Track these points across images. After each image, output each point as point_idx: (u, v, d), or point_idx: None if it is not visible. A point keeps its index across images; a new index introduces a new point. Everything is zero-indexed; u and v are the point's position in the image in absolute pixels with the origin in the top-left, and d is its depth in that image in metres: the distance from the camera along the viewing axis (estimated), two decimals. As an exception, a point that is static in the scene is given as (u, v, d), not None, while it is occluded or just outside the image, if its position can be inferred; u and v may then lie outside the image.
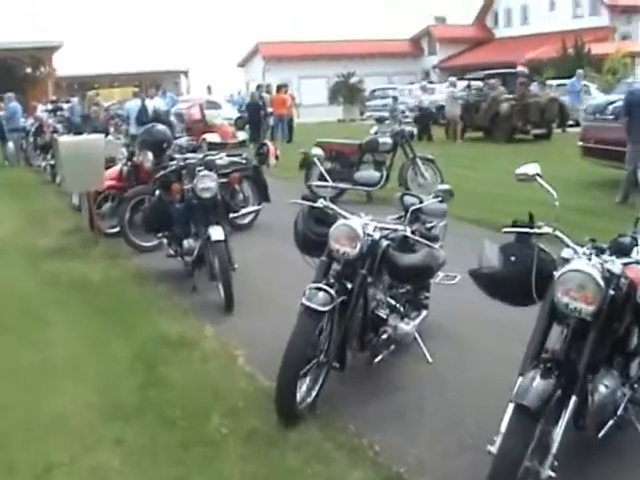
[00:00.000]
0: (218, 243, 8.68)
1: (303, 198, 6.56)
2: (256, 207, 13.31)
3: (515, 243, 4.90)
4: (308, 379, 5.89)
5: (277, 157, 13.71)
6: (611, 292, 4.37)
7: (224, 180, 9.61)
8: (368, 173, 15.86)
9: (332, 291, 5.68)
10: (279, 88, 30.90)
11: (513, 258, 4.81)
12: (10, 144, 27.14)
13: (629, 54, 44.47)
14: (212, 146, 25.86)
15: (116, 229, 12.43)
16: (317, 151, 7.21)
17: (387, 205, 14.70)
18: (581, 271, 4.32)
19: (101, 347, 7.62)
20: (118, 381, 6.73)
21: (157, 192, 10.16)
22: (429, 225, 6.98)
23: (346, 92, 53.67)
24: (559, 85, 32.60)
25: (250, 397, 6.28)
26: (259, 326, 8.13)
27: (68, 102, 34.95)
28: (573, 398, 4.30)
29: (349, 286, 5.93)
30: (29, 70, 61.23)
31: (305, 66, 65.96)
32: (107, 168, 13.53)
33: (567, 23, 56.76)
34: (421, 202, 6.99)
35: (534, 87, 28.70)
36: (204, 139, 26.78)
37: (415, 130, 16.51)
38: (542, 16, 61.11)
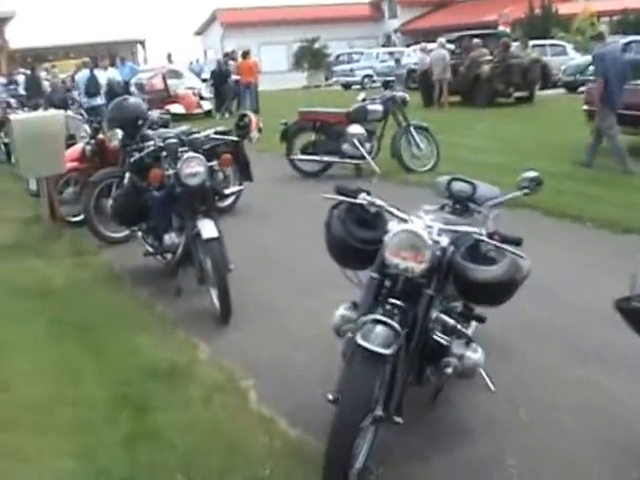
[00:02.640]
0: (211, 241, 7.09)
1: (338, 191, 4.90)
2: (238, 187, 11.76)
3: None
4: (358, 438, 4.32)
5: (260, 130, 12.06)
6: None
7: (212, 162, 7.95)
8: (356, 144, 14.22)
9: (395, 324, 4.14)
10: (245, 54, 29.14)
11: None
12: (-40, 121, 25.25)
13: (595, 13, 43.43)
14: (176, 117, 24.50)
15: (80, 217, 10.84)
16: (356, 129, 5.58)
17: (380, 179, 13.48)
18: None
19: (71, 382, 5.97)
20: (97, 434, 5.11)
21: (128, 176, 8.57)
22: (480, 217, 5.50)
23: (310, 58, 52.05)
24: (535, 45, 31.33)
25: (277, 457, 4.71)
26: (263, 342, 6.65)
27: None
28: None
29: (401, 305, 4.41)
30: (-21, 42, 58.64)
31: (265, 32, 64.45)
32: (68, 147, 11.95)
33: (531, -18, 55.41)
34: (474, 189, 5.48)
35: (515, 48, 27.13)
36: (167, 110, 25.29)
37: (407, 96, 14.88)
38: (505, -24, 59.67)
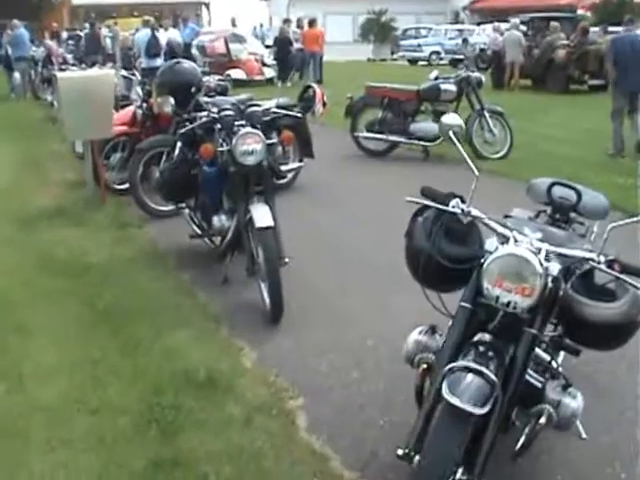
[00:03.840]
0: (264, 230, 6.26)
1: (424, 193, 4.03)
2: (298, 164, 10.94)
3: None
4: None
5: (324, 104, 11.19)
6: None
7: (272, 140, 7.08)
8: (426, 125, 13.29)
9: (490, 373, 3.29)
10: (311, 23, 28.24)
11: None
12: (16, 74, 24.79)
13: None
14: (236, 83, 23.79)
15: (126, 185, 10.08)
16: (452, 119, 4.68)
17: (445, 164, 12.60)
18: None
19: (95, 384, 5.19)
20: (115, 456, 4.31)
21: (178, 147, 7.78)
22: (581, 229, 4.61)
23: (377, 30, 51.07)
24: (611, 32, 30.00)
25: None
26: (317, 352, 5.77)
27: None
28: None
29: (495, 345, 3.55)
30: (43, -4, 58.31)
31: (331, 1, 63.11)
32: (123, 107, 11.22)
33: (607, -34, 53.52)
34: (580, 197, 4.57)
35: (593, 34, 25.82)
36: (228, 75, 24.66)
37: (483, 77, 13.92)
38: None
